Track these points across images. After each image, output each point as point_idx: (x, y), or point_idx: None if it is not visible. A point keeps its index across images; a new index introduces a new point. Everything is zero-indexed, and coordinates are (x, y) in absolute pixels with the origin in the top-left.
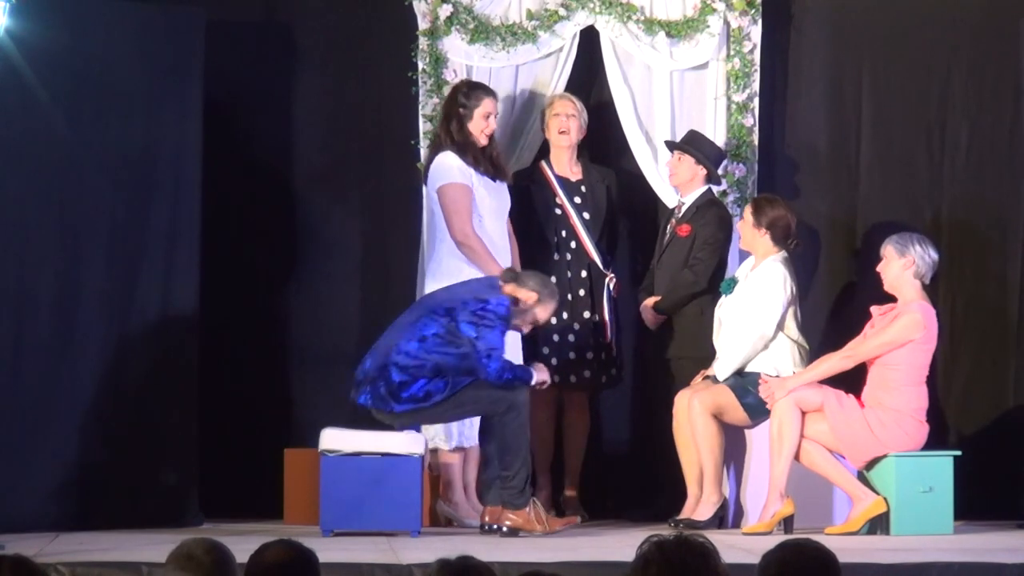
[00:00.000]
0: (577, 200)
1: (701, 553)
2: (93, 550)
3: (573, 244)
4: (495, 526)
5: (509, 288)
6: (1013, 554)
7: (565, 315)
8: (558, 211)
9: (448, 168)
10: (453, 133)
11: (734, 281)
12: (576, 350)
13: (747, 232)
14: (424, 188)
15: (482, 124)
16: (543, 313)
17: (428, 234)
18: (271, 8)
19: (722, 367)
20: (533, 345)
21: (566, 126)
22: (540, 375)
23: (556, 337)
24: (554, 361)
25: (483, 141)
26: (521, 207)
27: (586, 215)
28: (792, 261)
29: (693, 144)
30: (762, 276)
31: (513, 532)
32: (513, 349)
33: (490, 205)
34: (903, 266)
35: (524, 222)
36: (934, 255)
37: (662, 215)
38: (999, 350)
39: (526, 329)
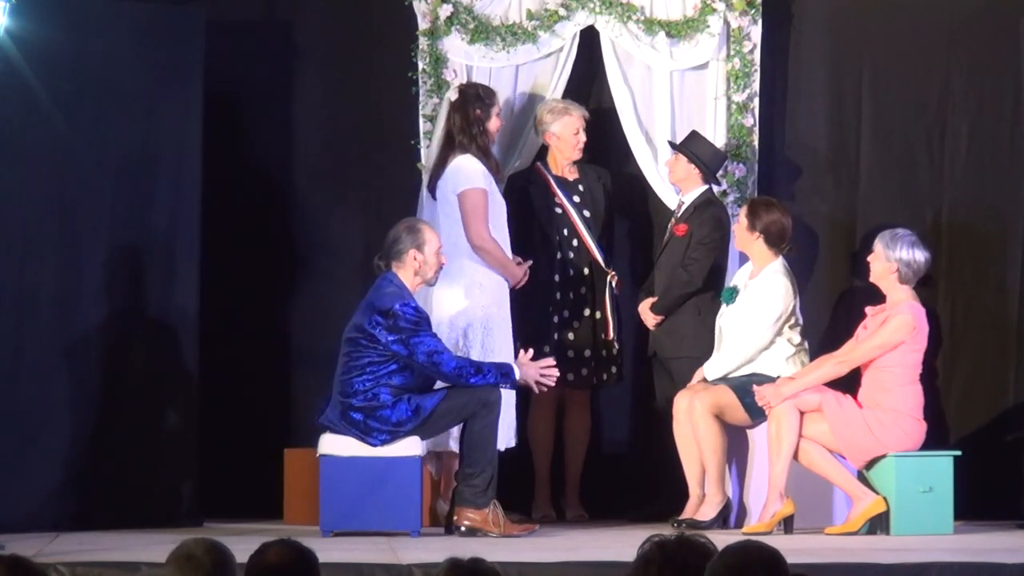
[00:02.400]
0: (576, 199)
1: (702, 553)
2: (93, 550)
3: (575, 242)
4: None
5: (397, 270)
6: (1013, 554)
7: (566, 313)
8: (558, 210)
9: (474, 172)
10: (477, 137)
11: (735, 290)
12: (576, 348)
13: (741, 234)
14: (427, 190)
15: (497, 123)
16: (433, 243)
17: (441, 239)
18: (271, 8)
19: (713, 369)
20: (534, 343)
21: (585, 141)
22: (526, 370)
23: (556, 335)
24: (553, 360)
25: (495, 139)
26: (521, 208)
27: (586, 213)
28: (790, 265)
29: (688, 144)
30: (762, 287)
31: (471, 532)
32: (504, 348)
33: (498, 210)
34: (887, 269)
35: (524, 223)
36: (921, 259)
37: (662, 215)
38: (999, 350)
39: (444, 260)
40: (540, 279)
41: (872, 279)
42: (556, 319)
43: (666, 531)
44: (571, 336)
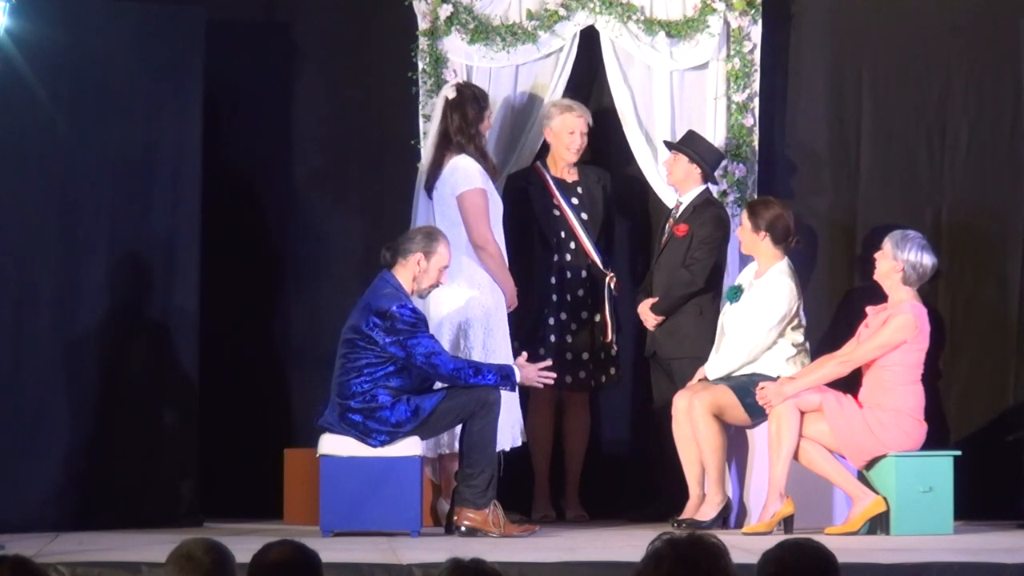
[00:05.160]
0: (574, 201)
1: (713, 553)
2: (93, 550)
3: (572, 245)
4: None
5: (397, 270)
6: (1013, 554)
7: (564, 315)
8: (556, 212)
9: (473, 172)
10: (475, 138)
11: (739, 289)
12: (574, 350)
13: (747, 237)
14: (424, 191)
15: (488, 126)
16: (441, 259)
17: None
18: (271, 8)
19: (714, 368)
20: (531, 346)
21: (581, 144)
22: (526, 372)
23: (554, 338)
24: (551, 362)
25: (486, 142)
26: (519, 209)
27: (584, 215)
28: (794, 264)
29: (688, 143)
30: (767, 287)
31: (471, 532)
32: (503, 348)
33: (497, 210)
34: (893, 268)
35: (523, 224)
36: (928, 263)
37: (662, 215)
38: (999, 350)
39: (443, 280)
40: (538, 281)
41: (876, 276)
42: (552, 321)
43: (674, 531)
44: (569, 339)
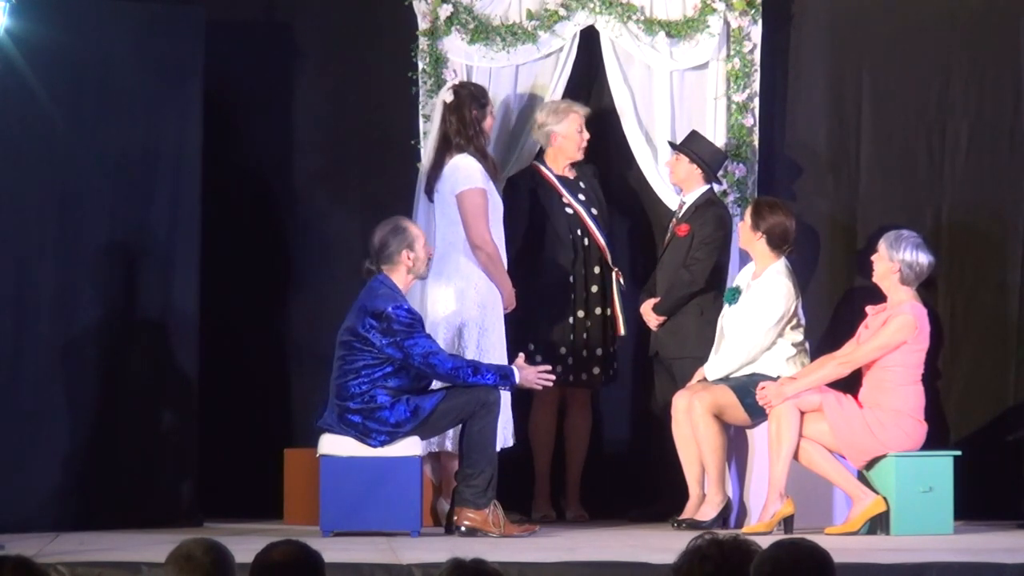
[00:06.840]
0: (581, 197)
1: (750, 560)
2: (93, 550)
3: (586, 241)
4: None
5: (389, 272)
6: (1013, 554)
7: (581, 313)
8: (569, 210)
9: (473, 172)
10: (474, 139)
11: (737, 291)
12: (589, 347)
13: (744, 233)
14: (424, 190)
15: (491, 121)
16: (420, 238)
17: (437, 238)
18: (271, 8)
19: (713, 369)
20: (553, 346)
21: (587, 139)
22: (525, 374)
23: (573, 336)
24: (571, 361)
25: (491, 138)
26: (532, 210)
27: (593, 210)
28: (794, 264)
29: (689, 144)
30: (765, 288)
31: (471, 532)
32: (498, 349)
33: (496, 210)
34: (890, 270)
35: (537, 224)
36: (924, 261)
37: (662, 215)
38: (999, 350)
39: (431, 252)
40: (557, 282)
41: (874, 279)
42: (572, 320)
43: (668, 530)
44: (584, 336)
